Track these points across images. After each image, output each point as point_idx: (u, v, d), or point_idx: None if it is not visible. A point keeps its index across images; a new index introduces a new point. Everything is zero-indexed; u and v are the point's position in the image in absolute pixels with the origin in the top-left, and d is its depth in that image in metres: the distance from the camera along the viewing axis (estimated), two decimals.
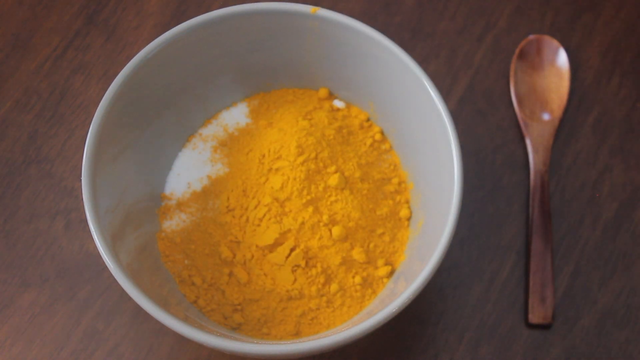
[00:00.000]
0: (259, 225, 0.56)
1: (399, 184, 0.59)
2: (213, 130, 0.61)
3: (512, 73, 0.66)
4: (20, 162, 0.64)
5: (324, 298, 0.56)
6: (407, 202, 0.59)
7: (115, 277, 0.50)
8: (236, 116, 0.62)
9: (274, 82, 0.62)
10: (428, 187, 0.57)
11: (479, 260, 0.61)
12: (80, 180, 0.53)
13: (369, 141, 0.60)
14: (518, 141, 0.65)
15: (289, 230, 0.56)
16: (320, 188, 0.56)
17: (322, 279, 0.56)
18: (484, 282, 0.61)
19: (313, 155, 0.57)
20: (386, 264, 0.57)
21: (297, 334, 0.55)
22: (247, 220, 0.57)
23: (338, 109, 0.62)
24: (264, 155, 0.58)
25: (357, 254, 0.56)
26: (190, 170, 0.60)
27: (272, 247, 0.56)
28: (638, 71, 0.67)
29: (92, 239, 0.52)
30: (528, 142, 0.64)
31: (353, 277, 0.56)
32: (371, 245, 0.57)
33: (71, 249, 0.61)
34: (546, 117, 0.65)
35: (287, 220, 0.56)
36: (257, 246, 0.56)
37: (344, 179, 0.57)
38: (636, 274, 0.61)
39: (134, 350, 0.59)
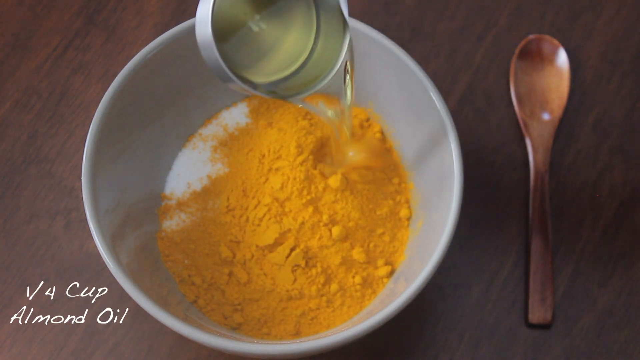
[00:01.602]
0: (259, 225, 0.56)
1: (399, 184, 0.59)
2: (213, 130, 0.61)
3: (512, 73, 0.66)
4: (20, 162, 0.64)
5: (324, 298, 0.56)
6: (407, 202, 0.59)
7: (115, 277, 0.50)
8: (236, 116, 0.62)
9: None
10: (428, 187, 0.57)
11: (479, 260, 0.61)
12: (80, 180, 0.53)
13: None
14: (518, 141, 0.65)
15: (289, 230, 0.56)
16: (320, 188, 0.56)
17: (322, 279, 0.55)
18: (484, 282, 0.61)
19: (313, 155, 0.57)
20: (386, 264, 0.57)
21: (297, 334, 0.55)
22: (247, 220, 0.57)
23: None
24: (263, 155, 0.58)
25: (357, 254, 0.56)
26: (190, 170, 0.60)
27: (272, 247, 0.56)
28: (638, 71, 0.67)
29: (92, 239, 0.52)
30: (528, 142, 0.64)
31: (353, 277, 0.56)
32: (371, 245, 0.57)
33: (71, 249, 0.61)
34: (546, 117, 0.65)
35: (287, 220, 0.56)
36: (257, 246, 0.56)
37: (344, 179, 0.57)
38: (636, 274, 0.61)
39: (134, 350, 0.59)
